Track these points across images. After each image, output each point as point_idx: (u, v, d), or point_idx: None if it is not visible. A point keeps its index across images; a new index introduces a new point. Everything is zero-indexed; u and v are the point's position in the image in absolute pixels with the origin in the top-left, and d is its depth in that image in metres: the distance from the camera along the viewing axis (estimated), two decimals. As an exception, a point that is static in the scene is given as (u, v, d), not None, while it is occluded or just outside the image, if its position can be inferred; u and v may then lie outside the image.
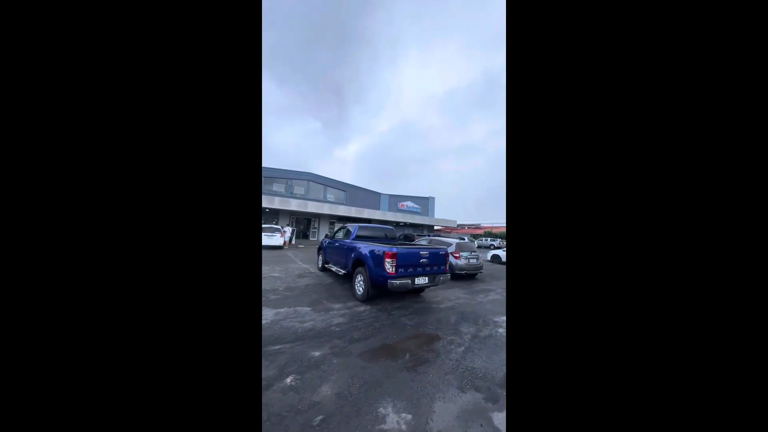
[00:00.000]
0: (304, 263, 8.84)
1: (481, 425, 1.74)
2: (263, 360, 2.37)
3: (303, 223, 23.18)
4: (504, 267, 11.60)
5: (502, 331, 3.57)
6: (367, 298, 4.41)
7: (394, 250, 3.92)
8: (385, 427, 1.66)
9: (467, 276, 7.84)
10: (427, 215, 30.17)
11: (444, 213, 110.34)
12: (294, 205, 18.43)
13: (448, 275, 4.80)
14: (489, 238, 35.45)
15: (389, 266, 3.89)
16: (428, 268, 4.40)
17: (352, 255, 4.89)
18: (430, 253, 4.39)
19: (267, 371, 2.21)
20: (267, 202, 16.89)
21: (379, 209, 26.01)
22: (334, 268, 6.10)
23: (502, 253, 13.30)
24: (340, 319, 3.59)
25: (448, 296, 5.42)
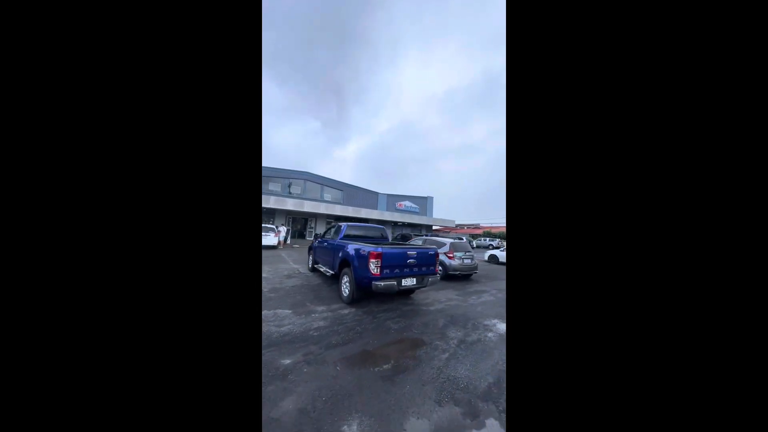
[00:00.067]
0: (296, 263, 8.66)
1: (456, 446, 1.56)
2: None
3: (300, 223, 23.02)
4: (500, 267, 11.42)
5: (492, 335, 3.39)
6: (353, 301, 4.23)
7: (379, 249, 3.73)
8: (346, 449, 1.48)
9: (462, 277, 7.65)
10: (426, 215, 29.98)
11: (444, 213, 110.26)
12: (290, 204, 18.26)
13: (438, 276, 4.61)
14: (488, 238, 35.28)
15: (374, 267, 3.70)
16: (416, 269, 4.21)
17: (340, 255, 4.69)
18: (418, 253, 4.20)
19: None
20: (263, 202, 16.72)
21: (376, 209, 25.81)
22: (322, 269, 5.92)
23: (499, 253, 13.11)
24: (321, 323, 3.41)
25: (440, 298, 5.23)
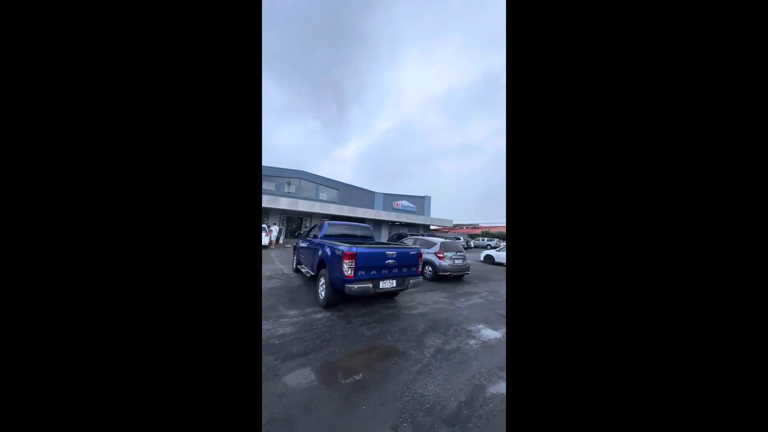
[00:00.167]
0: (282, 264, 8.38)
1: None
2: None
3: (295, 222, 22.73)
4: (495, 268, 11.13)
5: (474, 343, 3.11)
6: (329, 304, 3.94)
7: (353, 249, 3.44)
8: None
9: (453, 278, 7.37)
10: (423, 214, 29.67)
11: (443, 213, 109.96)
12: (284, 203, 17.95)
13: (420, 278, 4.31)
14: (486, 238, 34.99)
15: (347, 268, 3.41)
16: (396, 270, 3.92)
17: (319, 254, 4.40)
18: (398, 254, 3.91)
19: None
20: (255, 201, 16.39)
21: (373, 208, 25.50)
22: (304, 270, 5.64)
23: (495, 253, 12.82)
24: (288, 329, 3.12)
25: (425, 300, 4.94)
